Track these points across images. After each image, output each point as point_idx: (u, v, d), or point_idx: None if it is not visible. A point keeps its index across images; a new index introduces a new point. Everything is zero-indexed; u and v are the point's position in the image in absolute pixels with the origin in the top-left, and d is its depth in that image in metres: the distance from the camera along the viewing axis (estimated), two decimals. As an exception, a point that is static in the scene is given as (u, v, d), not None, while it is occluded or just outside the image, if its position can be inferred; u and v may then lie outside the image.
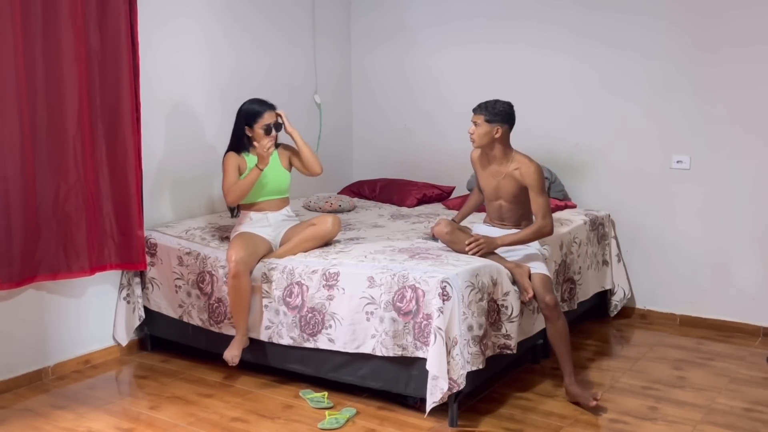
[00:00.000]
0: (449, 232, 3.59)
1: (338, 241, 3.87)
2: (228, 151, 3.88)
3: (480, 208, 4.19)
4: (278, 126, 3.84)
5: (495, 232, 3.72)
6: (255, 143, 3.79)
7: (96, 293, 4.01)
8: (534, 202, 3.56)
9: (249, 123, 3.81)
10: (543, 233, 3.55)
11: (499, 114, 3.55)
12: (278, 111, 3.88)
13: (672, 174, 4.59)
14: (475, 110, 3.61)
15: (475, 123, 3.58)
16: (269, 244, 3.81)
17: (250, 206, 3.88)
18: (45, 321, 3.79)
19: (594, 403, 3.31)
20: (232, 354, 3.65)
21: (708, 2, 4.37)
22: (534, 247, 3.67)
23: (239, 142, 3.86)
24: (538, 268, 3.54)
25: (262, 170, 3.73)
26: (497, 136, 3.57)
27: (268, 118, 3.81)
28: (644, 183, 4.69)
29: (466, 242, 3.51)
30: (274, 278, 3.60)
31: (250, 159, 3.86)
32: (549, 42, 4.91)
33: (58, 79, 3.60)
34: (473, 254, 3.47)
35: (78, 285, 3.89)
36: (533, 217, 3.67)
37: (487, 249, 3.51)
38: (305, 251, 3.70)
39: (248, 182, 3.74)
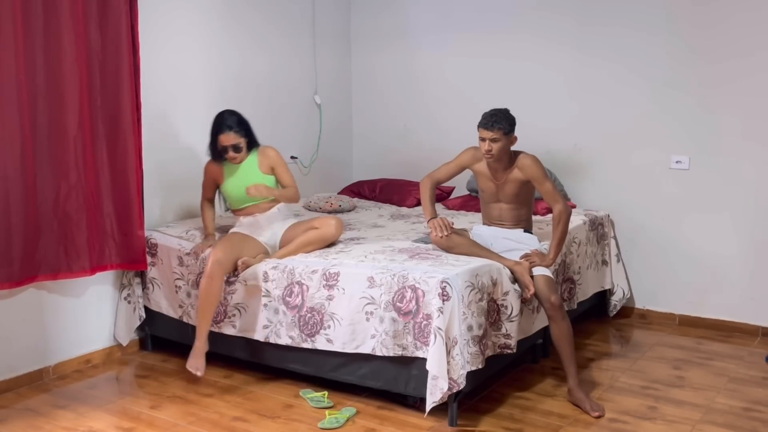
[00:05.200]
0: (445, 238, 3.57)
1: (339, 242, 3.88)
2: (209, 159, 3.91)
3: (469, 206, 4.22)
4: (236, 148, 3.78)
5: (495, 232, 3.73)
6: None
7: (96, 293, 4.02)
8: (542, 191, 3.57)
9: (213, 138, 3.83)
10: (566, 219, 3.56)
11: (513, 123, 3.55)
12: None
13: (671, 174, 4.60)
14: (488, 126, 3.49)
15: (492, 139, 3.49)
16: (262, 247, 3.80)
17: (236, 211, 3.90)
18: (46, 321, 3.80)
19: (596, 414, 3.32)
20: (197, 364, 3.62)
21: (708, 5, 4.38)
22: (534, 246, 3.68)
23: (215, 150, 3.85)
24: (541, 268, 3.54)
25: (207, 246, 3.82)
26: (513, 144, 3.58)
27: (224, 140, 3.76)
28: (643, 183, 4.70)
29: (522, 258, 3.53)
30: (274, 278, 3.60)
31: (227, 167, 3.88)
32: (549, 43, 4.91)
33: (59, 80, 3.60)
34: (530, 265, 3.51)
35: (78, 285, 3.90)
36: (531, 210, 3.78)
37: (539, 264, 3.53)
38: (307, 253, 3.71)
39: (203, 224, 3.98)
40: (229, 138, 3.76)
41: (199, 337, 3.65)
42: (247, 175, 3.85)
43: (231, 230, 3.87)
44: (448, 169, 3.80)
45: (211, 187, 3.97)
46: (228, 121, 3.78)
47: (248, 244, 3.75)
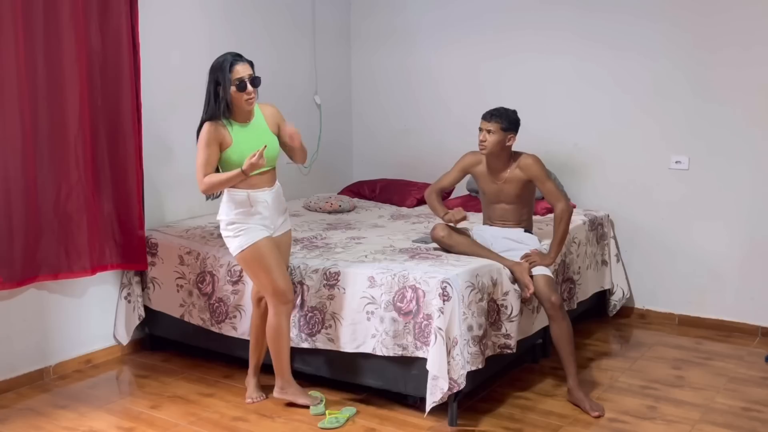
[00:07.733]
0: (446, 236, 3.59)
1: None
2: (203, 121, 3.20)
3: (469, 206, 4.21)
4: (254, 80, 3.21)
5: (496, 231, 3.74)
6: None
7: (97, 293, 4.02)
8: (543, 191, 3.60)
9: (220, 81, 3.17)
10: (568, 218, 3.59)
11: (514, 122, 3.59)
12: (289, 127, 3.28)
13: (671, 174, 4.60)
14: (487, 117, 3.58)
15: (488, 130, 3.56)
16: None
17: (246, 182, 3.21)
18: (46, 321, 3.81)
19: (596, 414, 3.32)
20: (258, 395, 3.52)
21: (708, 2, 4.39)
22: (534, 245, 3.68)
23: (214, 108, 3.19)
24: (541, 268, 3.55)
25: (246, 175, 3.13)
26: (509, 144, 3.59)
27: (241, 70, 3.16)
28: (643, 183, 4.70)
29: (523, 258, 3.53)
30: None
31: (232, 127, 3.22)
32: (548, 42, 4.92)
33: (60, 80, 3.61)
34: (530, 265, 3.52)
35: (79, 285, 3.90)
36: (532, 210, 3.80)
37: (540, 264, 3.54)
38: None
39: (225, 181, 3.15)
40: (246, 68, 3.18)
41: (255, 369, 3.54)
42: (259, 131, 3.24)
43: (248, 224, 3.22)
44: (450, 177, 3.85)
45: (216, 155, 3.18)
46: (239, 54, 3.24)
47: (276, 248, 3.31)
